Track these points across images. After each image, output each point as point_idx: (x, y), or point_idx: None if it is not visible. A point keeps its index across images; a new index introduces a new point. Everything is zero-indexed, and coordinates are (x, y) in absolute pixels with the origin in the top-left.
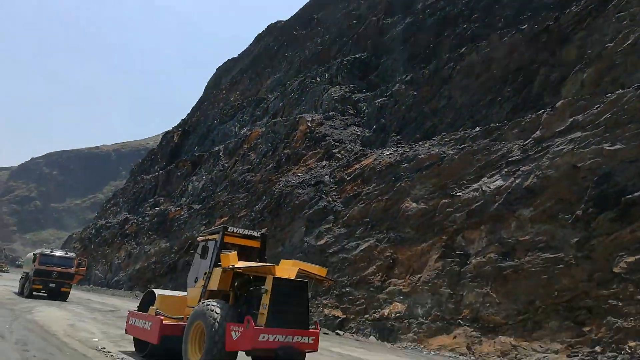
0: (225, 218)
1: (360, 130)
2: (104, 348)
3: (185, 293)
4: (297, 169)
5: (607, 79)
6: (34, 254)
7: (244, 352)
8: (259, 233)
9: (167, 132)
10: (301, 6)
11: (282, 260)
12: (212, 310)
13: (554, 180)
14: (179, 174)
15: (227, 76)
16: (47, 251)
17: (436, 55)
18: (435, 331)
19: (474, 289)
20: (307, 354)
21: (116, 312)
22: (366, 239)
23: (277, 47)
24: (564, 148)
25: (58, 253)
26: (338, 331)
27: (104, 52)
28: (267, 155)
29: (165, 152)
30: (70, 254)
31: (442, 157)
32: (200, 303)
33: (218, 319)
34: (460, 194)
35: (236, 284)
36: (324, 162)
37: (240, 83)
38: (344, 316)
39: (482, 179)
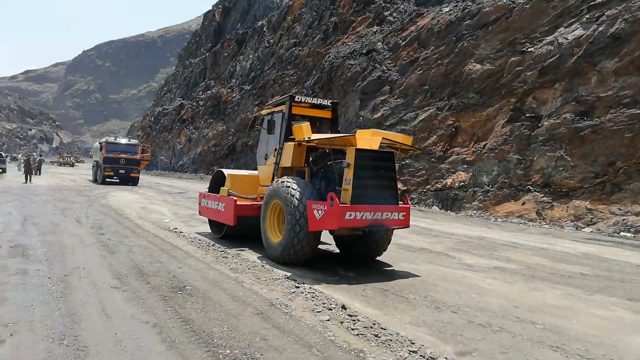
0: (277, 96)
1: None
2: (176, 228)
3: (255, 172)
4: (346, 38)
5: None
6: (99, 143)
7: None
8: (329, 102)
9: (208, 12)
10: None
11: (357, 130)
12: (289, 187)
13: None
14: (225, 54)
15: None
16: (112, 139)
17: None
18: (502, 198)
19: (545, 153)
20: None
21: (184, 193)
22: (425, 108)
23: None
24: None
25: (122, 140)
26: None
27: None
28: (312, 26)
29: (209, 33)
30: (133, 141)
31: (510, 8)
32: (275, 181)
33: (297, 196)
34: (532, 49)
35: (311, 159)
36: (375, 28)
37: None
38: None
39: (558, 30)
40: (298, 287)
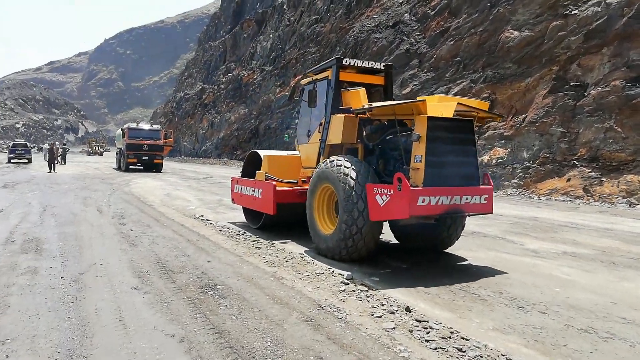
0: (300, 76)
1: None
2: (202, 216)
3: (296, 152)
4: (370, 11)
5: None
6: (122, 129)
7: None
8: (382, 64)
9: None
10: None
11: (419, 97)
12: (342, 167)
13: None
14: (245, 35)
15: None
16: (134, 125)
17: None
18: (545, 175)
19: (592, 125)
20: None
21: (209, 178)
22: (458, 82)
23: None
24: None
25: (145, 126)
26: None
27: None
28: (334, 0)
29: (228, 14)
30: (156, 126)
31: None
32: (324, 162)
33: (354, 177)
34: (575, 12)
35: (364, 133)
36: None
37: None
38: None
39: None
40: (347, 284)
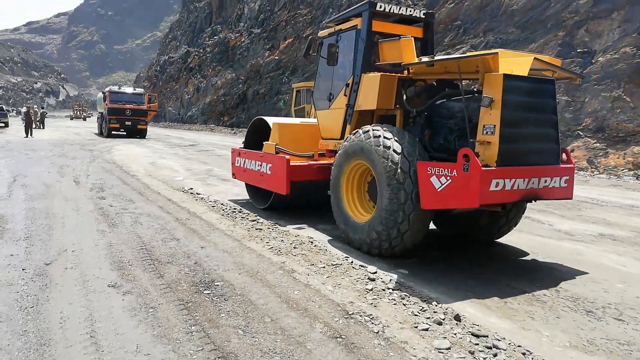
0: (290, 40)
1: None
2: (191, 189)
3: (308, 120)
4: None
5: None
6: (103, 93)
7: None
8: (422, 12)
9: None
10: None
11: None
12: (381, 138)
13: None
14: None
15: None
16: (115, 88)
17: None
18: None
19: (600, 94)
20: None
21: (196, 145)
22: (458, 47)
23: None
24: None
25: (127, 90)
26: None
27: None
28: None
29: None
30: (139, 90)
31: None
32: (354, 133)
33: (399, 151)
34: None
35: (405, 96)
36: None
37: None
38: None
39: None
40: (373, 280)
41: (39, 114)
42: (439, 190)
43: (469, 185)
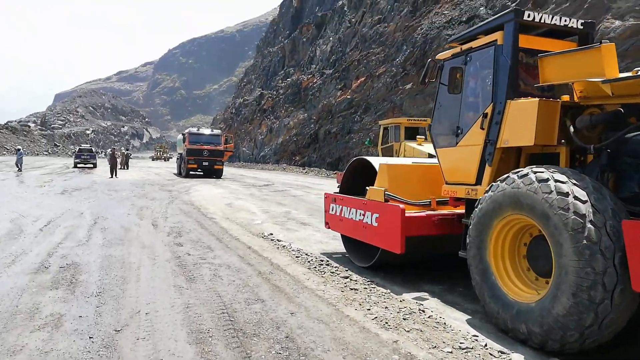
0: (362, 78)
1: None
2: (271, 234)
3: (423, 160)
4: (439, 8)
5: None
6: (182, 134)
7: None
8: (579, 22)
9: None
10: None
11: None
12: (552, 181)
13: None
14: (304, 39)
15: None
16: (194, 130)
17: None
18: None
19: None
20: None
21: (270, 185)
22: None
23: None
24: None
25: (205, 131)
26: None
27: None
28: None
29: (287, 20)
30: (216, 131)
31: None
32: (507, 178)
33: (588, 199)
34: None
35: (574, 128)
36: None
37: None
38: None
39: None
40: None
41: (123, 156)
42: None
43: None
